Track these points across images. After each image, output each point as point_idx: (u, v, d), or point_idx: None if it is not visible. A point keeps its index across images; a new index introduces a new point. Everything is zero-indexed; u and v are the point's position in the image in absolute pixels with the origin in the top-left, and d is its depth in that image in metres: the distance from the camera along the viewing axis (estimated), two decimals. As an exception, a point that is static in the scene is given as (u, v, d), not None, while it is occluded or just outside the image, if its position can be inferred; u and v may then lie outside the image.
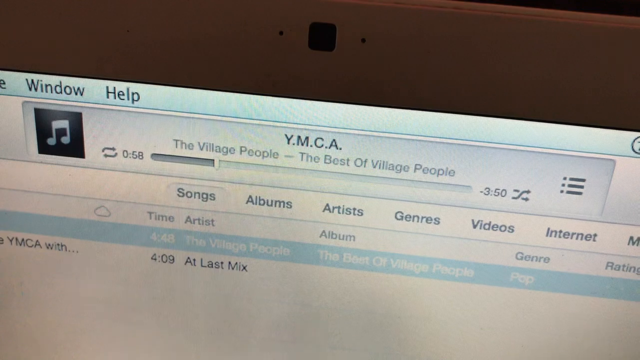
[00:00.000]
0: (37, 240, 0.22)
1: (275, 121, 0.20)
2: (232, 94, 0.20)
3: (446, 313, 0.22)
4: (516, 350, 0.23)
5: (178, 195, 0.21)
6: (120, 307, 0.23)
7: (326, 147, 0.20)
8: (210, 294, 0.23)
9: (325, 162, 0.21)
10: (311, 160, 0.21)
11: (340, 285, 0.22)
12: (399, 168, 0.20)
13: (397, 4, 0.18)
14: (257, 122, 0.20)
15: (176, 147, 0.21)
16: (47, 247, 0.23)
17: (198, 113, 0.20)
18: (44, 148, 0.21)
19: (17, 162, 0.21)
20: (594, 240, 0.21)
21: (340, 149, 0.20)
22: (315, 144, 0.20)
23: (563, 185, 0.20)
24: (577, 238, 0.21)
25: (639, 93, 0.18)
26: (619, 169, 0.20)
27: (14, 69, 0.20)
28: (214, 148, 0.21)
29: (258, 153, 0.21)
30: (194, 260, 0.22)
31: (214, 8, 0.18)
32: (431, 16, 0.18)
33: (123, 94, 0.20)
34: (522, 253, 0.21)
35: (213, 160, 0.21)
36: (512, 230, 0.21)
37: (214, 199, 0.21)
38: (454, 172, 0.20)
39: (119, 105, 0.20)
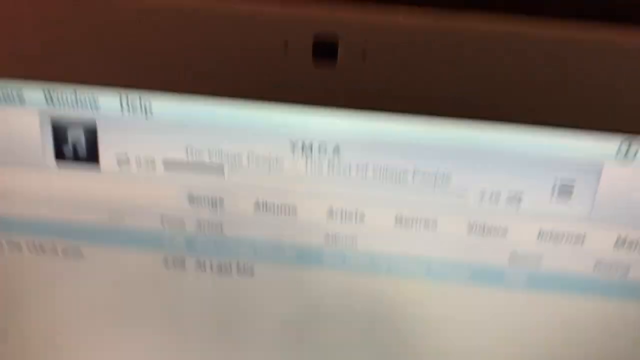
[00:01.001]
0: (52, 246, 0.23)
1: (281, 128, 0.21)
2: (240, 103, 0.21)
3: (444, 313, 0.23)
4: (513, 349, 0.24)
5: (188, 201, 0.22)
6: (131, 311, 0.24)
7: (329, 154, 0.21)
8: (218, 297, 0.24)
9: (328, 168, 0.21)
10: (315, 166, 0.21)
11: (343, 287, 0.23)
12: (398, 173, 0.21)
13: (395, 18, 0.19)
14: (264, 130, 0.21)
15: (187, 155, 0.22)
16: (62, 253, 0.23)
17: (208, 122, 0.21)
18: (60, 156, 0.22)
19: (34, 170, 0.22)
20: (584, 240, 0.22)
21: (343, 155, 0.21)
22: (319, 151, 0.21)
23: (554, 187, 0.21)
24: (567, 239, 0.22)
25: (625, 96, 0.19)
26: (607, 171, 0.21)
27: (32, 79, 0.21)
28: (223, 155, 0.22)
29: (264, 159, 0.21)
30: (204, 263, 0.23)
31: (221, 21, 0.19)
32: (426, 32, 0.19)
33: (136, 104, 0.21)
34: (515, 254, 0.22)
35: (222, 166, 0.22)
36: (506, 232, 0.22)
37: (223, 204, 0.22)
38: (450, 177, 0.21)
39: (132, 115, 0.21)
